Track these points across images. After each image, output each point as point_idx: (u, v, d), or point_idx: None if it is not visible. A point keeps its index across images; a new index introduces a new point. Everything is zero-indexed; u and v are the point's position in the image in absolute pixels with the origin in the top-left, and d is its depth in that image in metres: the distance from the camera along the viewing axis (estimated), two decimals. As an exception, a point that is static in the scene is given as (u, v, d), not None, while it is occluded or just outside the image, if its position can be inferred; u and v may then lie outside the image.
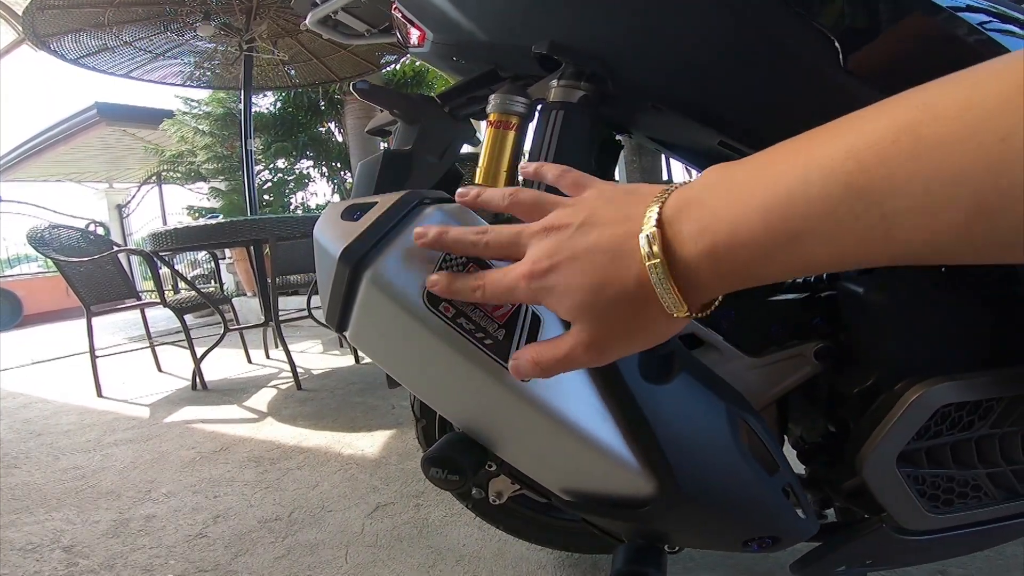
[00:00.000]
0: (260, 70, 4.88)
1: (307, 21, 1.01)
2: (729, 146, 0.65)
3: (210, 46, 4.60)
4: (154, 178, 9.09)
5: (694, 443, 0.48)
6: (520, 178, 0.69)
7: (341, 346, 3.49)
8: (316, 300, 3.09)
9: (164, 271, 3.90)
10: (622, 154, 0.90)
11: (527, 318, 0.42)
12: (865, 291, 0.61)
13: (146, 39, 4.32)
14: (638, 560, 0.55)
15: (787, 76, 0.59)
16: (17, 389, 3.21)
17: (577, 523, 0.90)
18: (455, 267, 0.42)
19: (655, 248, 0.29)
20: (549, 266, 0.33)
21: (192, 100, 7.80)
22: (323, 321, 0.55)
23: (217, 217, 6.25)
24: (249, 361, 3.26)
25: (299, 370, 2.64)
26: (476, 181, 0.70)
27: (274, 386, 2.67)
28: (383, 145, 0.89)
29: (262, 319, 3.06)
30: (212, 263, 4.57)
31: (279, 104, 7.99)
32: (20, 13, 3.60)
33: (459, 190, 0.41)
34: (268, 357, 3.32)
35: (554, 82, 0.64)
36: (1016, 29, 0.57)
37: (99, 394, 2.72)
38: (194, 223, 3.31)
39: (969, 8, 0.56)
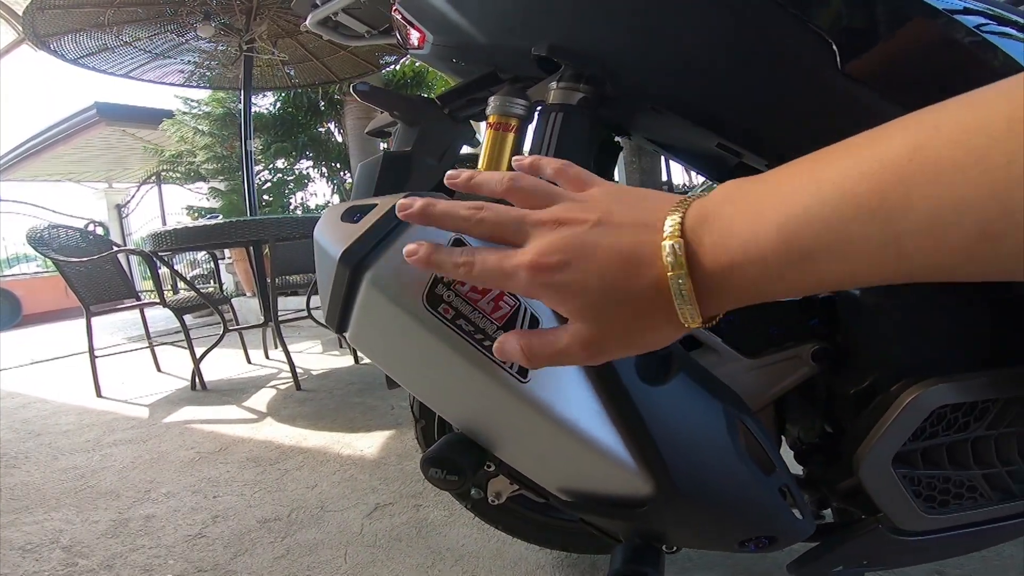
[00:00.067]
0: (260, 70, 4.88)
1: (307, 22, 1.01)
2: (727, 148, 0.65)
3: (210, 46, 4.60)
4: (153, 178, 9.09)
5: (691, 444, 0.49)
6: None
7: (340, 346, 3.49)
8: (315, 300, 3.09)
9: (163, 271, 3.90)
10: (621, 155, 0.90)
11: (526, 320, 0.43)
12: (861, 293, 0.61)
13: (146, 39, 4.32)
14: (636, 560, 0.55)
15: (785, 79, 0.59)
16: (16, 389, 3.21)
17: (575, 523, 0.90)
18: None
19: (680, 259, 0.29)
20: (559, 262, 0.31)
21: (192, 100, 7.80)
22: (322, 321, 0.55)
23: (217, 217, 6.25)
24: (248, 361, 3.26)
25: (298, 370, 2.64)
26: (475, 183, 0.70)
27: (273, 386, 2.68)
28: (383, 146, 0.90)
29: (261, 319, 3.06)
30: (212, 263, 4.57)
31: (279, 104, 7.99)
32: (20, 13, 3.60)
33: (449, 172, 0.38)
34: (267, 357, 3.32)
35: (553, 84, 0.65)
36: (1013, 31, 0.57)
37: (98, 394, 2.72)
38: (193, 223, 3.32)
39: (966, 11, 0.56)
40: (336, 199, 8.33)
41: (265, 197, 7.93)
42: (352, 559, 1.13)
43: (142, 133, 9.09)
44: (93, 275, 2.80)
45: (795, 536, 0.54)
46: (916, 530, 0.60)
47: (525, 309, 0.43)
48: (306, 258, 3.27)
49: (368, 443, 1.79)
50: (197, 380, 2.71)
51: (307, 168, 8.43)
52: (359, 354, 2.99)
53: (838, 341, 0.63)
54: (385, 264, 0.43)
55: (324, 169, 8.37)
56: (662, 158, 4.82)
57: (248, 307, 5.06)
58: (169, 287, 4.85)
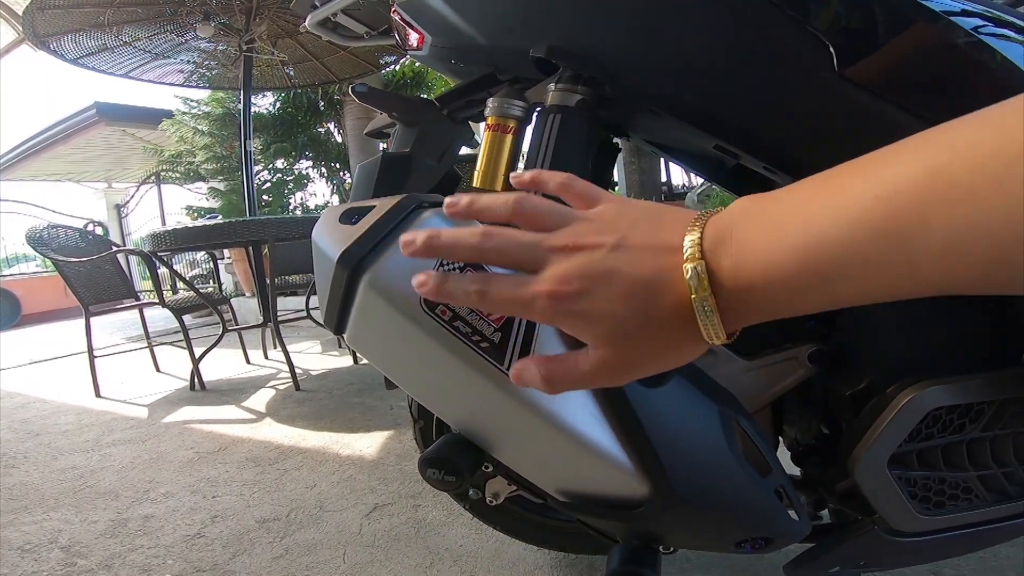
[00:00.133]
0: (259, 70, 4.88)
1: (306, 23, 1.02)
2: (725, 149, 0.65)
3: (210, 46, 4.60)
4: (153, 178, 9.09)
5: (688, 445, 0.49)
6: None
7: (339, 347, 3.49)
8: (315, 301, 3.08)
9: (163, 271, 3.90)
10: (621, 155, 0.91)
11: (523, 321, 0.43)
12: (858, 295, 0.62)
13: (146, 39, 4.32)
14: (633, 560, 0.55)
15: (782, 81, 0.59)
16: (15, 389, 3.21)
17: (573, 524, 0.90)
18: (452, 269, 0.43)
19: (703, 281, 0.29)
20: (579, 290, 0.31)
21: (191, 100, 7.79)
22: (321, 322, 0.56)
23: (216, 217, 6.25)
24: (247, 361, 3.26)
25: (297, 371, 2.64)
26: (474, 184, 0.70)
27: (272, 386, 2.68)
28: (382, 147, 0.90)
29: (260, 319, 3.06)
30: (211, 263, 4.57)
31: (278, 104, 7.98)
32: (20, 13, 3.60)
33: (447, 199, 0.35)
34: (266, 357, 3.32)
35: (551, 86, 0.65)
36: (1011, 33, 0.57)
37: (97, 394, 2.72)
38: (193, 223, 3.32)
39: (964, 13, 0.56)
40: (335, 199, 8.33)
41: (264, 197, 7.93)
42: (351, 559, 1.13)
43: (142, 133, 9.09)
44: (92, 275, 2.80)
45: (791, 537, 0.55)
46: (912, 531, 0.60)
47: None
48: (305, 258, 3.27)
49: (367, 443, 1.79)
50: (196, 380, 2.71)
51: (306, 168, 8.43)
52: (358, 354, 2.99)
53: (835, 343, 0.63)
54: (383, 266, 0.43)
55: (323, 169, 8.37)
56: (661, 159, 4.82)
57: (247, 307, 5.06)
58: (168, 287, 4.85)
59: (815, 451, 0.70)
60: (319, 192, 8.83)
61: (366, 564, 1.11)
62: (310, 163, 8.37)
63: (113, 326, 5.44)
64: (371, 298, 0.43)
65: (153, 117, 8.50)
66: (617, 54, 0.64)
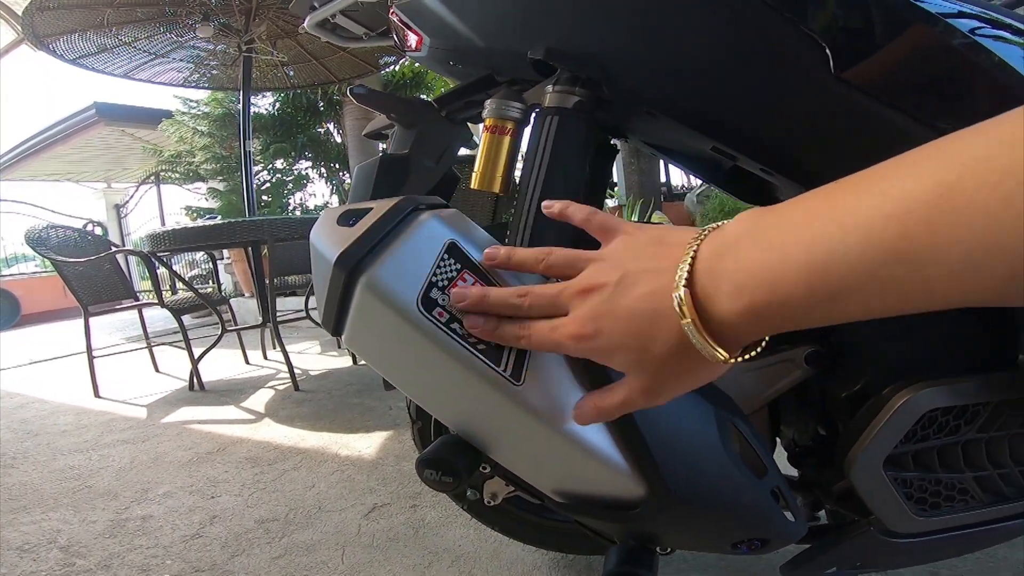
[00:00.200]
0: (259, 71, 4.88)
1: (305, 24, 1.02)
2: (721, 151, 0.65)
3: (209, 47, 4.60)
4: (152, 178, 9.08)
5: (683, 446, 0.49)
6: (518, 183, 0.70)
7: (339, 347, 3.49)
8: (314, 301, 3.08)
9: (162, 271, 3.90)
10: (620, 156, 0.91)
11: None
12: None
13: (145, 40, 4.32)
14: (630, 561, 0.55)
15: (779, 83, 0.59)
16: (14, 389, 3.21)
17: (571, 525, 0.90)
18: (449, 275, 0.43)
19: (686, 309, 0.30)
20: (595, 330, 0.34)
21: (191, 100, 7.78)
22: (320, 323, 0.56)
23: (215, 218, 6.25)
24: (247, 362, 3.26)
25: (296, 371, 2.64)
26: (471, 185, 0.71)
27: (271, 387, 2.68)
28: (382, 147, 0.90)
29: (260, 320, 3.06)
30: (210, 264, 4.57)
31: (278, 105, 7.98)
32: (20, 13, 3.60)
33: (487, 251, 0.43)
34: (266, 358, 3.32)
35: (549, 87, 0.65)
36: (1008, 35, 0.57)
37: (96, 394, 2.72)
38: (192, 223, 3.31)
39: (960, 14, 0.56)
40: (335, 200, 8.33)
41: (264, 197, 7.92)
42: (349, 559, 1.13)
43: (141, 133, 9.09)
44: (91, 275, 2.80)
45: (787, 538, 0.55)
46: (908, 532, 0.60)
47: None
48: (304, 259, 3.26)
49: (366, 444, 1.79)
50: (195, 380, 2.71)
51: (306, 169, 8.42)
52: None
53: (831, 344, 0.64)
54: (380, 268, 0.43)
55: (323, 170, 8.36)
56: (660, 160, 4.83)
57: (246, 307, 5.06)
58: (168, 287, 4.85)
59: (812, 452, 0.70)
60: (318, 192, 8.83)
61: (365, 564, 1.11)
62: (309, 163, 8.36)
63: (112, 326, 5.44)
64: (368, 300, 0.43)
65: (152, 117, 8.50)
66: (614, 56, 0.64)
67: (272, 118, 7.90)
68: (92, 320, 2.74)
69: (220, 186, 7.89)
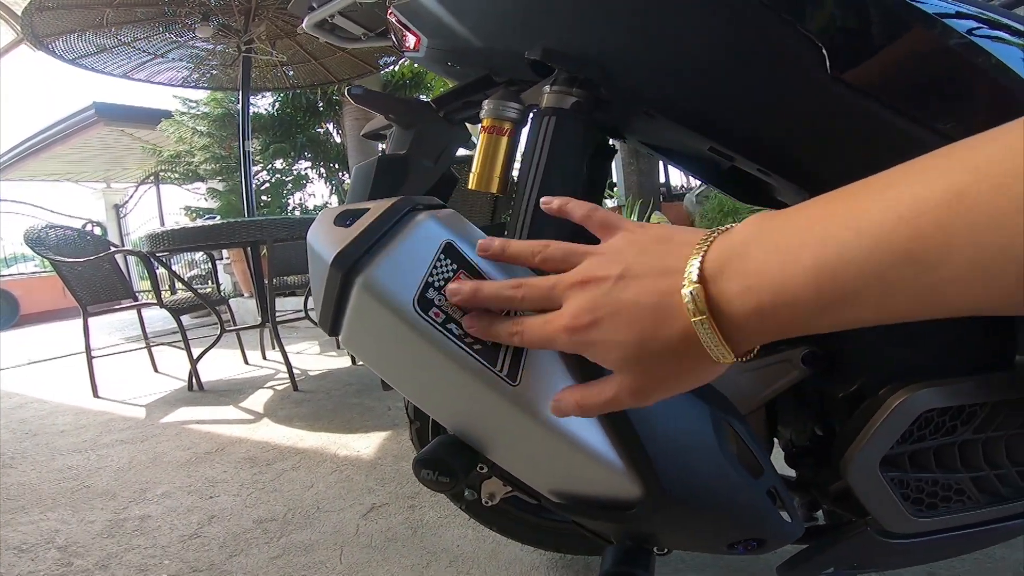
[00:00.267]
0: (258, 71, 4.88)
1: (304, 24, 1.02)
2: (719, 152, 0.65)
3: (208, 47, 4.60)
4: (151, 178, 9.07)
5: (679, 446, 0.49)
6: (516, 183, 0.70)
7: (337, 347, 3.49)
8: (312, 301, 3.08)
9: (161, 272, 3.90)
10: (619, 157, 0.91)
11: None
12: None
13: (144, 40, 4.32)
14: (626, 561, 0.55)
15: (776, 83, 0.59)
16: (13, 389, 3.21)
17: (568, 525, 0.90)
18: (445, 276, 0.43)
19: (700, 305, 0.30)
20: (591, 321, 0.34)
21: (190, 101, 7.78)
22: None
23: (215, 218, 6.25)
24: (246, 362, 3.26)
25: (295, 371, 2.64)
26: (469, 186, 0.71)
27: (270, 387, 2.68)
28: (381, 147, 0.90)
29: (259, 320, 3.06)
30: (209, 264, 4.56)
31: (277, 105, 7.97)
32: (19, 13, 3.60)
33: (481, 242, 0.42)
34: (264, 358, 3.32)
35: (547, 88, 0.65)
36: (1006, 36, 0.57)
37: (95, 394, 2.72)
38: (191, 224, 3.31)
39: (958, 15, 0.56)
40: (334, 200, 8.32)
41: (263, 198, 7.91)
42: (348, 559, 1.13)
43: (140, 133, 9.08)
44: (90, 275, 2.80)
45: (784, 538, 0.55)
46: (905, 532, 0.60)
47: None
48: (303, 259, 3.26)
49: (364, 444, 1.79)
50: (194, 381, 2.71)
51: (305, 169, 8.42)
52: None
53: (828, 345, 0.64)
54: (377, 268, 0.43)
55: (322, 170, 8.36)
56: (659, 160, 4.83)
57: (245, 308, 5.06)
58: (167, 287, 4.85)
59: (809, 453, 0.70)
60: (318, 193, 8.82)
61: (363, 564, 1.11)
62: (309, 164, 8.36)
63: (111, 326, 5.44)
64: (365, 300, 0.43)
65: (152, 117, 8.49)
66: (613, 56, 0.64)
67: (271, 118, 7.90)
68: (91, 320, 2.74)
69: (219, 186, 7.89)
